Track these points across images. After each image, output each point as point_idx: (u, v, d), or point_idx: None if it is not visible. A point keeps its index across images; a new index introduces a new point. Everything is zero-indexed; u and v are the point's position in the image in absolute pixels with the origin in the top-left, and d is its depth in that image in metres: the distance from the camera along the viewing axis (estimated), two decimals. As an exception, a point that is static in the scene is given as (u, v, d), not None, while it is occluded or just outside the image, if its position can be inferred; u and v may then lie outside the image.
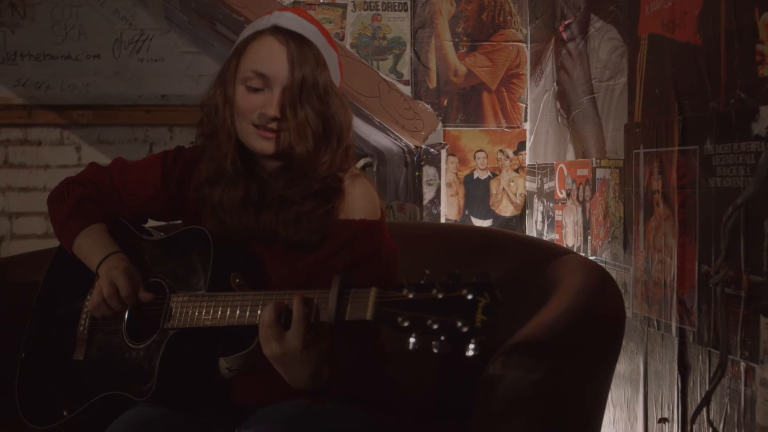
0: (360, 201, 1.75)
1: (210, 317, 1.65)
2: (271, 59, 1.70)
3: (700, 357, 2.08)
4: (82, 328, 1.86)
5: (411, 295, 1.37)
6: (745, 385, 1.90)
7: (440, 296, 1.35)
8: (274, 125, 1.70)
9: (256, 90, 1.71)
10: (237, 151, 1.75)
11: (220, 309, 1.64)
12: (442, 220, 3.29)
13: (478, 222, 3.33)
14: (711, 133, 2.02)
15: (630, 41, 2.46)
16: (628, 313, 2.42)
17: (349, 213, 1.74)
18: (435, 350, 1.34)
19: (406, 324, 1.36)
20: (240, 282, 1.70)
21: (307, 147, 1.70)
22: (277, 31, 1.73)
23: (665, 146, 2.24)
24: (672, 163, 2.21)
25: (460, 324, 1.32)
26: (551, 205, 3.11)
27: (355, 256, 1.71)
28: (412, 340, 1.36)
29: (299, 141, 1.69)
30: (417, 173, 3.29)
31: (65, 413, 1.80)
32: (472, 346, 1.32)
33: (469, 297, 1.33)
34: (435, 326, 1.34)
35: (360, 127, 3.49)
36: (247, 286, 1.70)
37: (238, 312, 1.61)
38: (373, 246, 1.74)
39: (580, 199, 2.84)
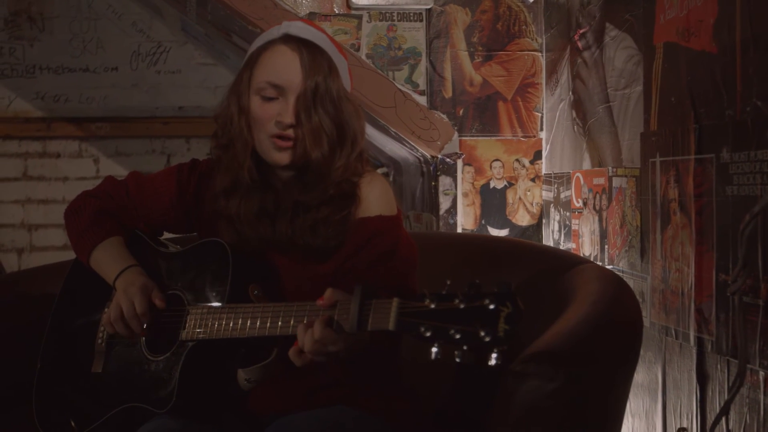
0: (375, 199, 1.76)
1: (229, 329, 1.65)
2: (285, 68, 1.72)
3: (719, 366, 2.07)
4: (100, 341, 1.86)
5: (433, 305, 1.37)
6: (765, 394, 1.89)
7: (462, 306, 1.34)
8: (290, 132, 1.71)
9: (270, 99, 1.73)
10: (253, 161, 1.76)
11: (240, 320, 1.64)
12: (459, 230, 3.28)
13: (494, 231, 3.33)
14: (727, 142, 2.01)
15: (645, 50, 2.46)
16: (646, 322, 2.42)
17: (365, 211, 1.75)
18: (457, 359, 1.33)
19: (428, 334, 1.36)
20: (258, 294, 1.70)
21: (323, 152, 1.71)
22: (288, 39, 1.75)
23: (681, 155, 2.24)
24: (688, 171, 2.20)
25: (482, 333, 1.32)
26: (568, 214, 3.10)
27: (374, 254, 1.72)
28: (434, 350, 1.35)
29: (314, 146, 1.71)
30: (433, 183, 3.29)
31: (83, 426, 1.81)
32: (494, 355, 1.32)
33: (491, 307, 1.32)
34: (457, 336, 1.33)
35: (376, 137, 3.49)
36: (265, 298, 1.70)
37: (258, 323, 1.62)
38: (391, 241, 1.74)
39: (597, 208, 2.84)
